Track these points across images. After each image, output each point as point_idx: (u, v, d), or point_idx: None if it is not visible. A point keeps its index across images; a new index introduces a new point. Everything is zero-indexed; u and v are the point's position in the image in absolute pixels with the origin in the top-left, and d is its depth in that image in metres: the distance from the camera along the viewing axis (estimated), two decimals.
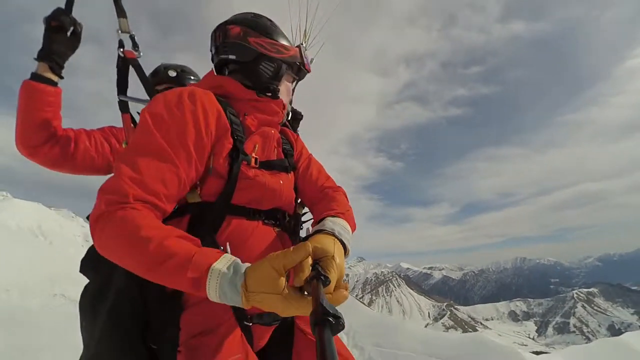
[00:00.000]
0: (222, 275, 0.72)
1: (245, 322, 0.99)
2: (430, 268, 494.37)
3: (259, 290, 0.70)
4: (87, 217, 1.02)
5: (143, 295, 0.96)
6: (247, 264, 0.76)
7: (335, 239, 0.91)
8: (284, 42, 1.22)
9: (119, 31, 1.37)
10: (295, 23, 1.72)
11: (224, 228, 0.99)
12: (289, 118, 1.78)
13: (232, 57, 1.14)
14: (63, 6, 1.31)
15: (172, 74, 1.68)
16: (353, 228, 1.12)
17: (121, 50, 1.36)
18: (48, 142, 1.33)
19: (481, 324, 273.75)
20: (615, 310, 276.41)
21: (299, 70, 1.29)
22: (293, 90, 1.37)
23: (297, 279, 0.72)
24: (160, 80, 1.66)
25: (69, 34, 1.32)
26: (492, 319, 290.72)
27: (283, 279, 0.70)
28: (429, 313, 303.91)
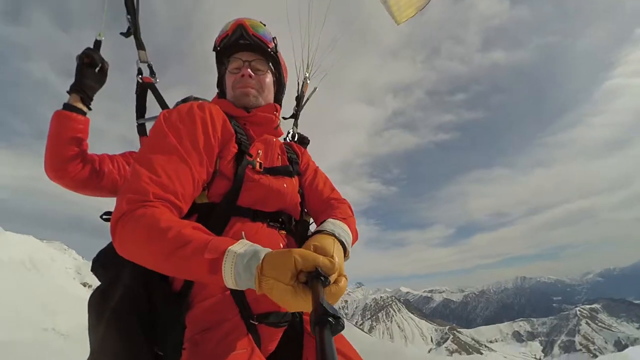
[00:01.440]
0: (237, 256, 0.75)
1: (251, 321, 0.99)
2: (430, 291, 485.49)
3: (271, 275, 0.70)
4: (101, 217, 1.15)
5: (149, 296, 0.98)
6: (269, 250, 0.77)
7: (335, 239, 0.92)
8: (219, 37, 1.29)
9: (139, 61, 1.57)
10: (298, 56, 1.89)
11: (228, 228, 1.02)
12: (294, 140, 1.89)
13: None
14: (92, 46, 1.51)
15: None
16: (355, 235, 1.13)
17: (140, 76, 1.53)
18: (75, 164, 1.42)
19: (485, 346, 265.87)
20: (620, 326, 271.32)
21: (231, 46, 1.27)
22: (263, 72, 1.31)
23: (298, 277, 0.73)
24: None
25: (97, 70, 1.49)
26: (497, 341, 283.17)
27: (295, 273, 0.71)
28: (431, 337, 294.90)
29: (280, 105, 1.41)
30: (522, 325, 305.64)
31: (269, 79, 1.31)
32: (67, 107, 1.41)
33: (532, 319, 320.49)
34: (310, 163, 1.42)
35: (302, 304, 0.69)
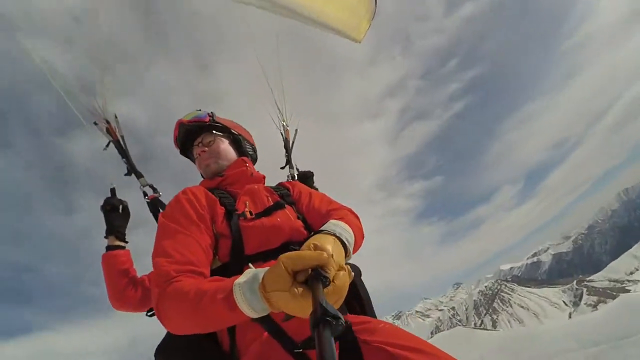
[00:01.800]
0: (242, 285, 0.81)
1: (295, 350, 1.01)
2: (534, 255, 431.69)
3: (272, 288, 0.74)
4: (146, 314, 1.65)
5: None
6: (267, 268, 0.80)
7: (335, 238, 0.94)
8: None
9: (141, 187, 1.91)
10: (272, 105, 2.29)
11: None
12: (296, 179, 2.14)
13: None
14: (109, 194, 1.88)
15: None
16: (359, 235, 1.17)
17: (146, 197, 1.87)
18: (130, 290, 1.71)
19: (628, 281, 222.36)
20: None
21: (185, 143, 1.62)
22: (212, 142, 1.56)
23: (297, 278, 0.74)
24: None
25: (120, 210, 1.84)
26: (638, 269, 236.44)
27: (291, 277, 0.73)
28: (563, 302, 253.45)
29: (249, 155, 1.64)
30: None
31: (221, 143, 1.55)
32: (109, 248, 1.76)
33: None
34: (302, 190, 1.51)
35: (305, 308, 0.69)
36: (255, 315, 0.82)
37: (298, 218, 1.34)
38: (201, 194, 1.28)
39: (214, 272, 1.14)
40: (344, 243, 0.98)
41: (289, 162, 2.30)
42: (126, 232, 1.86)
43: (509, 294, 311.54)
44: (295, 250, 1.13)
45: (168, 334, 1.22)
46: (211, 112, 1.58)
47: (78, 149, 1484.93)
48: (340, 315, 0.61)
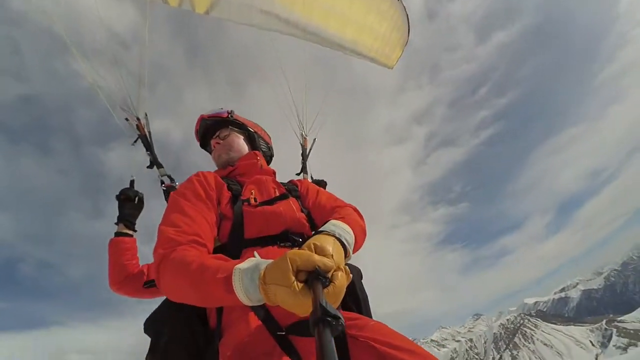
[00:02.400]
0: (243, 271, 0.84)
1: (279, 332, 1.03)
2: (562, 290, 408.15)
3: (272, 281, 0.76)
4: (143, 286, 1.74)
5: (195, 340, 1.15)
6: (271, 260, 0.84)
7: (335, 239, 0.96)
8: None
9: (159, 176, 2.02)
10: (294, 116, 2.43)
11: (241, 259, 1.07)
12: None
13: None
14: (128, 185, 2.00)
15: None
16: (360, 235, 1.18)
17: (163, 185, 1.96)
18: (130, 276, 1.81)
19: None
20: None
21: (205, 137, 1.76)
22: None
23: (297, 276, 0.76)
24: None
25: (135, 201, 1.95)
26: None
27: (294, 273, 0.76)
28: (591, 342, 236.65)
29: (262, 151, 1.74)
30: None
31: (236, 138, 1.69)
32: (117, 234, 1.86)
33: None
34: (310, 187, 1.57)
35: (304, 305, 0.72)
36: (249, 303, 0.84)
37: (302, 211, 1.39)
38: (211, 177, 1.36)
39: (214, 251, 1.18)
40: (344, 244, 1.00)
41: (304, 168, 2.44)
42: (137, 222, 1.95)
43: (532, 330, 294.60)
44: (294, 239, 1.25)
45: (160, 307, 1.27)
46: (230, 110, 1.72)
47: (113, 159, 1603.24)
48: (340, 315, 0.62)
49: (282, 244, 1.23)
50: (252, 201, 1.32)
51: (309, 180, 2.30)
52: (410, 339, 1.02)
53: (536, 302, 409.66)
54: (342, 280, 0.78)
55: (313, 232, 1.13)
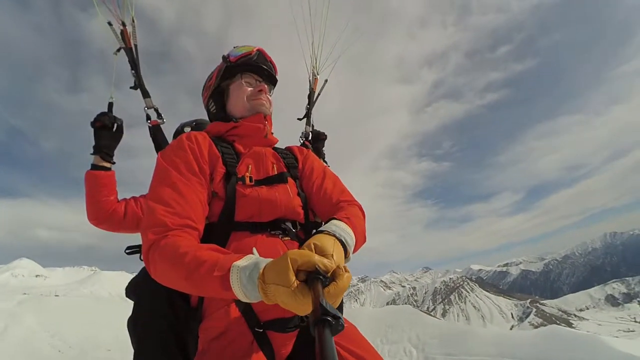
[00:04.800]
0: (241, 269, 0.81)
1: (256, 329, 1.03)
2: (505, 265, 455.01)
3: (271, 281, 0.74)
4: (125, 251, 1.48)
5: (175, 314, 1.15)
6: (271, 259, 0.81)
7: (336, 239, 0.94)
8: (225, 58, 1.39)
9: (145, 108, 1.78)
10: (307, 47, 2.03)
11: (229, 243, 1.11)
12: (309, 139, 2.05)
13: (210, 108, 1.47)
14: (106, 109, 1.75)
15: (187, 129, 1.95)
16: (360, 239, 1.14)
17: (148, 121, 1.76)
18: (110, 207, 1.74)
19: (575, 315, 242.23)
20: None
21: (256, 68, 1.41)
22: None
23: (297, 276, 0.74)
24: None
25: (114, 129, 1.74)
26: (588, 308, 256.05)
27: (294, 274, 0.73)
28: (512, 314, 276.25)
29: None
30: (616, 287, 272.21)
31: (271, 99, 1.47)
32: (93, 167, 1.70)
33: (627, 278, 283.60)
34: (315, 165, 1.43)
35: (303, 305, 0.71)
36: (247, 301, 0.83)
37: (298, 195, 1.29)
38: (205, 145, 1.23)
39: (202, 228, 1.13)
40: (344, 245, 0.98)
41: (308, 115, 2.19)
42: (115, 152, 1.78)
43: (468, 292, 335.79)
44: (286, 227, 1.20)
45: (142, 274, 1.24)
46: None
47: (96, 29, 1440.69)
48: (340, 315, 0.61)
49: (272, 232, 1.17)
50: (248, 180, 1.20)
51: (310, 130, 2.14)
52: (367, 341, 1.09)
53: (480, 270, 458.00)
54: (345, 280, 0.77)
55: (314, 232, 1.06)
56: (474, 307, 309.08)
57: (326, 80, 2.27)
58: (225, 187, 1.16)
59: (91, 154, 1.72)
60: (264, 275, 0.77)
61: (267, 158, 1.31)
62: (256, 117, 1.36)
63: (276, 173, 1.28)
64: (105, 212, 1.72)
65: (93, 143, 1.73)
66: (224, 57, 1.42)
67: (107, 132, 1.73)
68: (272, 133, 1.43)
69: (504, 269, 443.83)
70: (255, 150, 1.32)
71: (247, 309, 1.05)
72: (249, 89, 1.39)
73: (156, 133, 1.77)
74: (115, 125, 1.74)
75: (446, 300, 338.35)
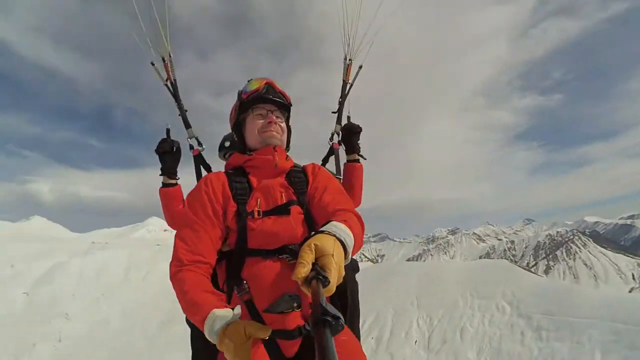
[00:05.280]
0: (215, 317, 1.05)
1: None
2: (630, 217, 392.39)
3: (227, 336, 1.00)
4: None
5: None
6: (231, 320, 1.05)
7: (336, 240, 0.99)
8: (241, 93, 1.62)
9: (188, 139, 2.07)
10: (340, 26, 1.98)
11: (245, 267, 1.36)
12: (339, 139, 2.12)
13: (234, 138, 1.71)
14: (165, 136, 2.02)
15: (227, 143, 2.15)
16: (357, 244, 1.20)
17: (192, 151, 2.05)
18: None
19: None
20: None
21: (260, 99, 1.57)
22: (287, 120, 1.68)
23: (296, 273, 0.83)
24: (224, 150, 2.15)
25: (174, 151, 2.03)
26: None
27: (248, 343, 0.99)
28: (633, 274, 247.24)
29: (288, 148, 1.71)
30: None
31: (284, 125, 1.65)
32: (163, 185, 2.03)
33: None
34: (319, 184, 1.53)
35: None
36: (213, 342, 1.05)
37: (304, 220, 1.43)
38: (219, 187, 1.46)
39: (224, 254, 1.41)
40: (344, 245, 1.02)
41: (340, 111, 2.14)
42: (178, 169, 2.07)
43: (578, 248, 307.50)
44: (293, 250, 1.36)
45: None
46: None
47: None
48: (340, 315, 0.63)
49: (280, 257, 1.35)
50: (256, 214, 1.39)
51: (339, 129, 2.12)
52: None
53: (596, 222, 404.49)
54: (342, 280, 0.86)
55: (313, 232, 1.12)
56: (585, 265, 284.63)
57: (360, 67, 2.15)
58: (237, 222, 1.39)
59: (159, 175, 2.02)
60: (223, 331, 1.01)
61: (275, 189, 1.47)
62: (266, 149, 1.55)
63: (284, 202, 1.44)
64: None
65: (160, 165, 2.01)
66: (238, 93, 1.63)
67: (169, 155, 2.01)
68: (286, 158, 1.60)
69: (628, 221, 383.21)
70: (264, 184, 1.49)
71: (256, 318, 1.27)
72: (260, 121, 1.58)
73: (198, 160, 2.06)
74: (175, 148, 2.02)
75: (551, 256, 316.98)
